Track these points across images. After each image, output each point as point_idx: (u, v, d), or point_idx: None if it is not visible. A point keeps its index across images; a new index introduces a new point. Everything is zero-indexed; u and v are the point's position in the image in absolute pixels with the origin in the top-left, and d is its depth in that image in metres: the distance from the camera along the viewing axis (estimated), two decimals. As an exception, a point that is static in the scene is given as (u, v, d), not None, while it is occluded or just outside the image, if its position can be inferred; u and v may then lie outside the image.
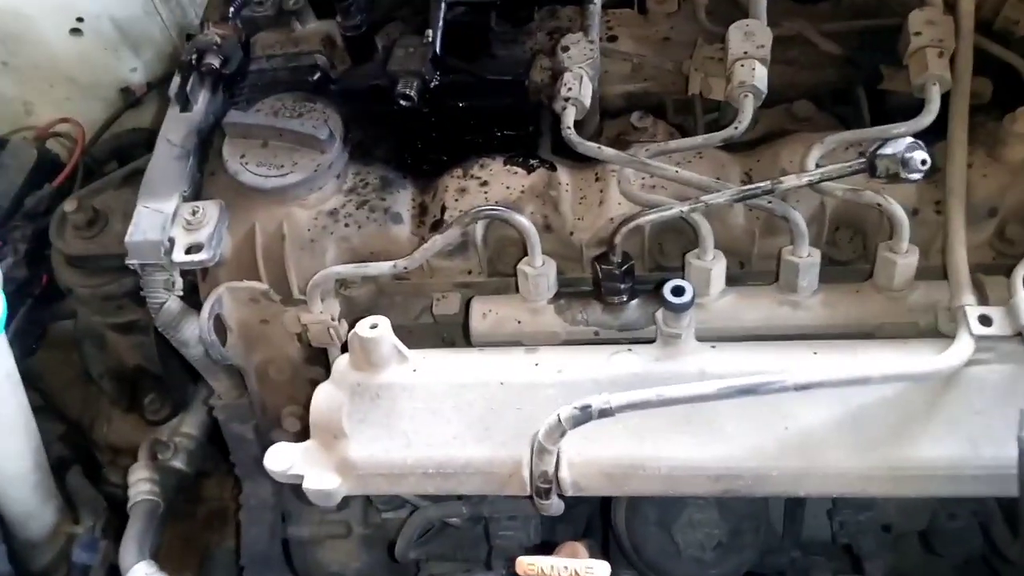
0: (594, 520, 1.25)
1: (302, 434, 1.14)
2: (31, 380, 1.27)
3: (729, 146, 1.06)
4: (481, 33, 1.20)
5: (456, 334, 1.14)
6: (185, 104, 1.15)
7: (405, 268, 1.04)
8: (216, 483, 1.48)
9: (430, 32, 1.12)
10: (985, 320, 0.90)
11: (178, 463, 1.35)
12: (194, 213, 1.07)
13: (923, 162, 0.86)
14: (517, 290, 1.07)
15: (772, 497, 1.11)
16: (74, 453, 1.43)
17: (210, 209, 1.07)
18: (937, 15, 1.03)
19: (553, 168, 1.11)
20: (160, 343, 1.33)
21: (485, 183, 1.11)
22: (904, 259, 0.96)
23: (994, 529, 1.10)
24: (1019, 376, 0.89)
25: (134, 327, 1.37)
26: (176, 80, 1.17)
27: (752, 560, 1.13)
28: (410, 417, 0.96)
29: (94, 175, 1.50)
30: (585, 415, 0.87)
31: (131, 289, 1.29)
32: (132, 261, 1.07)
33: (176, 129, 1.14)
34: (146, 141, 1.54)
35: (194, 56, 1.14)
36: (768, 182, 0.94)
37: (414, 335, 1.11)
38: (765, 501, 1.15)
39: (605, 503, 1.20)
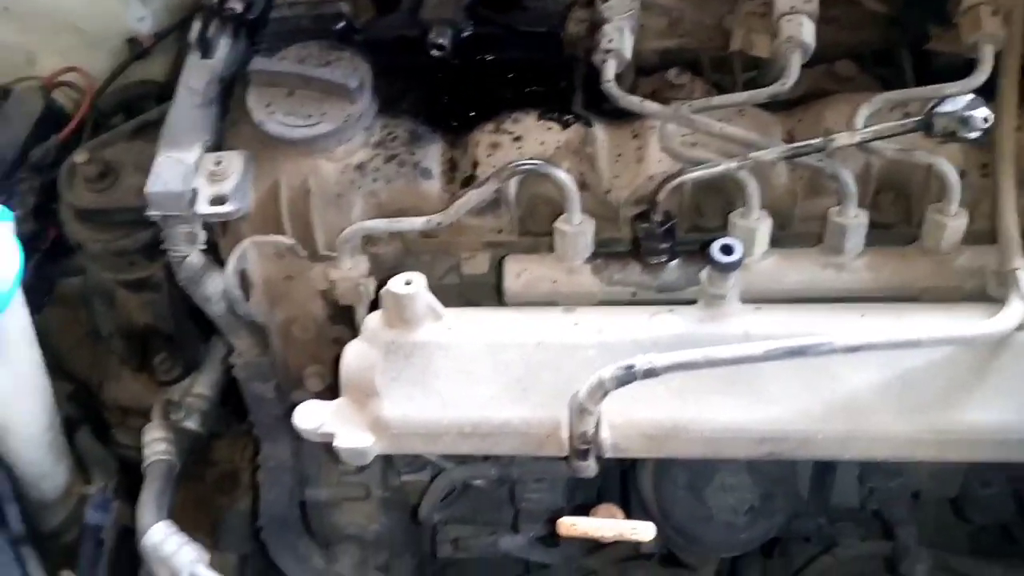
0: (608, 483, 1.23)
1: (325, 394, 1.12)
2: (39, 338, 1.23)
3: (769, 106, 1.03)
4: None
5: (482, 296, 1.11)
6: (206, 50, 1.11)
7: (439, 224, 1.01)
8: (227, 445, 1.45)
9: (463, -21, 1.08)
10: (1037, 284, 0.88)
11: (191, 424, 1.32)
12: (218, 163, 1.03)
13: (985, 119, 0.83)
14: (549, 250, 1.05)
15: (805, 461, 1.10)
16: (83, 413, 1.39)
17: (235, 160, 1.03)
18: (991, -28, 1.00)
19: (589, 124, 1.08)
20: (173, 301, 1.29)
21: (519, 138, 1.08)
22: (954, 221, 0.94)
23: (1028, 497, 1.10)
24: (1071, 341, 0.88)
25: (145, 284, 1.33)
26: (196, 25, 1.12)
27: (781, 525, 1.12)
28: (445, 376, 0.94)
29: (100, 128, 1.45)
30: (629, 375, 0.84)
31: (144, 244, 1.25)
32: (153, 213, 1.03)
33: (197, 76, 1.10)
34: (155, 93, 1.49)
35: (216, 0, 1.10)
36: (820, 139, 0.92)
37: (438, 295, 1.09)
38: (794, 465, 1.14)
39: (623, 467, 1.19)
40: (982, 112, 0.83)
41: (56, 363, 1.44)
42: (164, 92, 1.39)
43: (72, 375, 1.44)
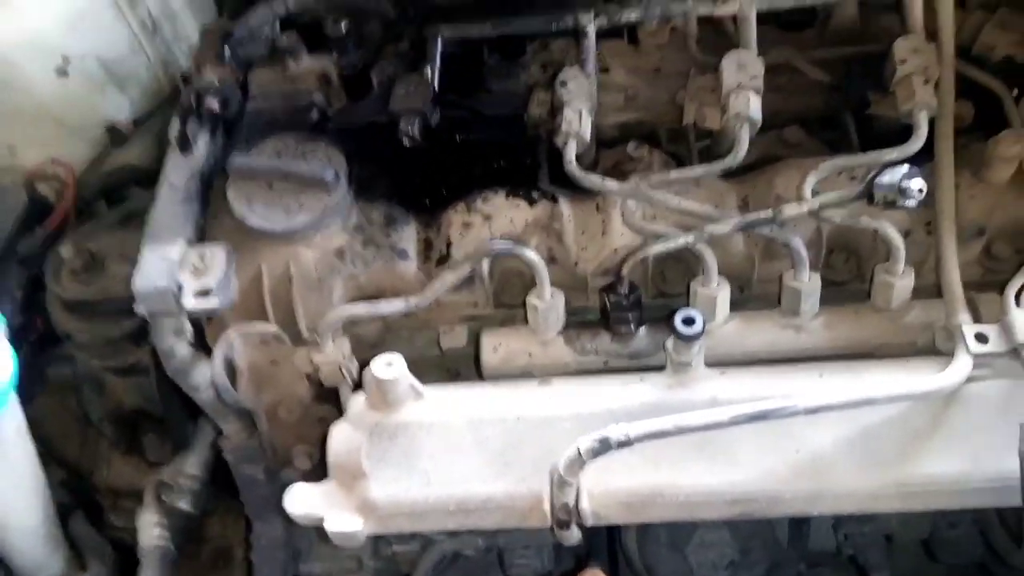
0: (595, 541, 1.27)
1: (313, 471, 1.15)
2: (30, 427, 1.26)
3: (724, 173, 1.09)
4: (476, 67, 1.22)
5: (462, 365, 1.16)
6: (186, 147, 1.15)
7: (417, 305, 1.05)
8: (219, 521, 1.47)
9: (428, 70, 1.13)
10: (981, 338, 0.94)
11: (184, 505, 1.34)
12: (202, 258, 1.07)
13: (920, 190, 0.89)
14: (524, 321, 1.09)
15: (780, 514, 1.14)
16: (75, 498, 1.41)
17: (217, 253, 1.07)
18: (920, 43, 1.07)
19: (555, 200, 1.13)
20: (160, 384, 1.32)
21: (489, 217, 1.13)
22: (902, 280, 1.00)
23: (993, 536, 1.14)
24: (1016, 391, 0.93)
25: (133, 369, 1.36)
26: (175, 123, 1.17)
27: (762, 575, 1.16)
28: (429, 455, 0.98)
29: (83, 214, 1.49)
30: (604, 446, 0.89)
31: (130, 332, 1.28)
32: (140, 308, 1.06)
33: (178, 173, 1.14)
34: (135, 178, 1.53)
35: (193, 99, 1.15)
36: (770, 211, 0.98)
37: (420, 367, 1.12)
38: (770, 519, 1.18)
39: (609, 526, 1.22)
40: (917, 183, 0.89)
41: (47, 450, 1.46)
42: (144, 177, 1.43)
43: (63, 461, 1.46)
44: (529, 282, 1.08)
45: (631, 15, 1.13)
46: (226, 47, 1.19)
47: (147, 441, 1.42)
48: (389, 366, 0.99)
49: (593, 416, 0.97)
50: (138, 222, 1.16)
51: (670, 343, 0.98)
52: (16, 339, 1.34)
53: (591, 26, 1.12)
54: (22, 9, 1.37)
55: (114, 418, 1.42)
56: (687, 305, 1.05)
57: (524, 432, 0.98)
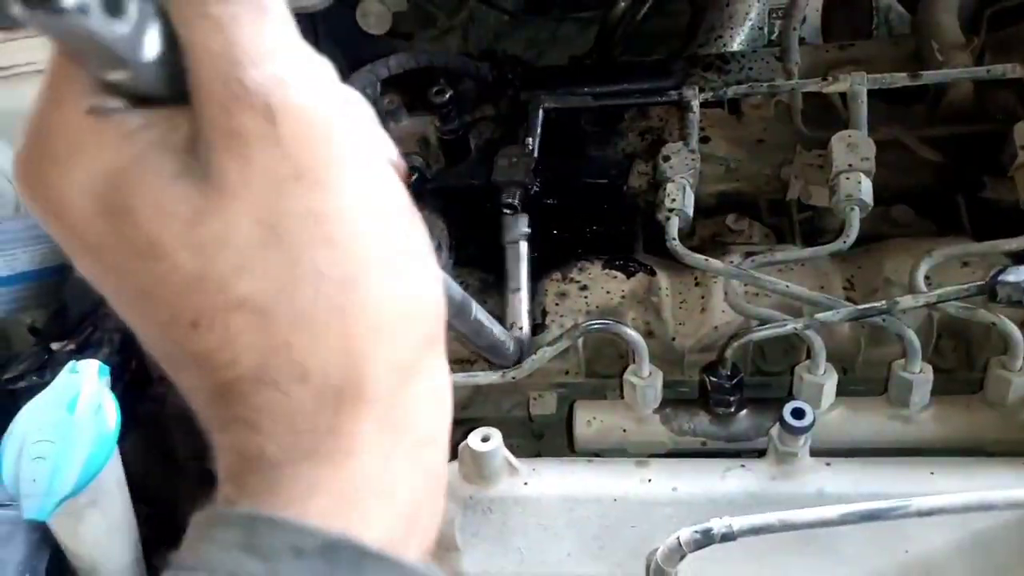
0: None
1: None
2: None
3: (830, 253, 1.07)
4: (575, 134, 1.22)
5: (551, 432, 1.15)
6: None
7: (513, 378, 1.05)
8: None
9: (530, 140, 1.14)
10: (1105, 444, 0.90)
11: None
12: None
13: (1048, 293, 0.86)
14: (615, 390, 1.08)
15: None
16: (160, 535, 1.44)
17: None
18: (1042, 127, 1.04)
19: (652, 272, 1.12)
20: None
21: (585, 287, 1.12)
22: (1019, 377, 0.96)
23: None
24: None
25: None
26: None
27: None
28: (523, 532, 0.97)
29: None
30: (707, 539, 0.87)
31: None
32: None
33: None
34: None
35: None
36: (884, 302, 0.95)
37: (506, 428, 1.12)
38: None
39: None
40: (1045, 285, 0.86)
41: (134, 487, 1.50)
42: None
43: (150, 498, 1.49)
44: (622, 352, 1.07)
45: (737, 90, 1.12)
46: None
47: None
48: (485, 440, 0.99)
49: (693, 502, 0.95)
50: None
51: (775, 432, 0.95)
52: (113, 382, 1.39)
53: (695, 100, 1.11)
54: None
55: (201, 456, 1.44)
56: (788, 384, 1.04)
57: (621, 515, 0.96)
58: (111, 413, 1.08)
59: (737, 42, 1.38)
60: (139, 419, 1.54)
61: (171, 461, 1.51)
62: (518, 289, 1.09)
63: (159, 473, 1.52)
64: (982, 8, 1.22)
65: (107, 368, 1.11)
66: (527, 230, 1.10)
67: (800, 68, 1.19)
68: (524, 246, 1.11)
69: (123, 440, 1.49)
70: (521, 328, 1.07)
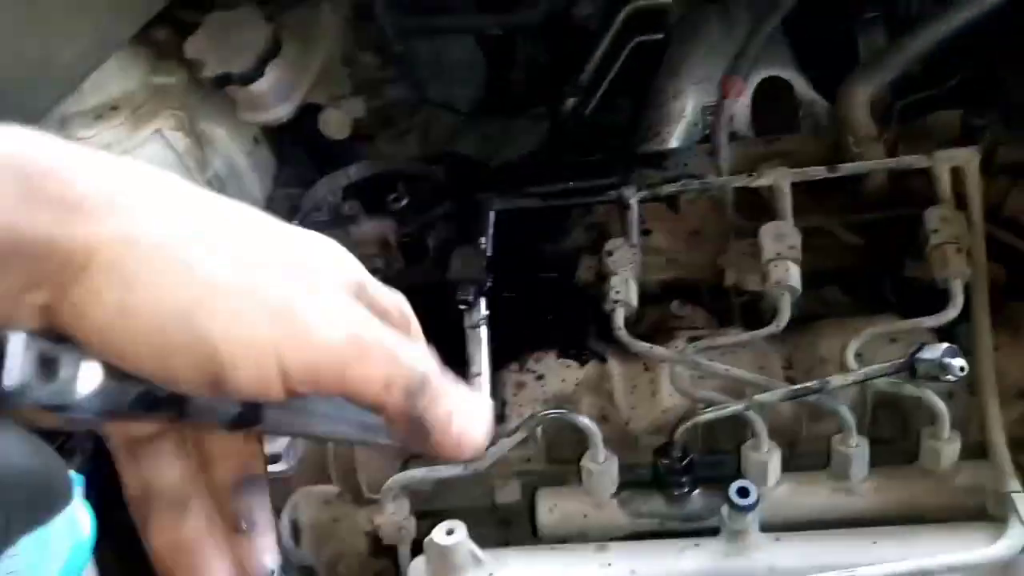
0: None
1: (372, 628, 1.17)
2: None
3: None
4: (526, 230, 1.30)
5: (514, 516, 1.19)
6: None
7: (475, 470, 1.09)
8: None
9: (483, 240, 1.21)
10: (1032, 506, 0.96)
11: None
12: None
13: (961, 368, 0.93)
14: (577, 475, 1.13)
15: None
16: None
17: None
18: (950, 212, 1.13)
19: (604, 359, 1.18)
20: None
21: (541, 376, 1.18)
22: (948, 445, 1.03)
23: None
24: (1072, 561, 0.94)
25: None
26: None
27: None
28: (490, 623, 1.00)
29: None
30: (664, 619, 0.91)
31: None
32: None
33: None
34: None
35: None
36: (817, 382, 1.02)
37: (473, 517, 1.16)
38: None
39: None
40: (958, 362, 0.93)
41: None
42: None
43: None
44: (580, 439, 1.12)
45: (671, 188, 1.21)
46: (295, 218, 1.28)
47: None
48: (450, 533, 1.02)
49: (651, 584, 0.99)
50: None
51: (725, 511, 1.00)
52: (86, 491, 1.40)
53: (634, 200, 1.20)
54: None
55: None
56: (738, 461, 1.09)
57: (583, 600, 1.00)
58: (85, 523, 1.10)
59: (675, 136, 1.47)
60: (114, 528, 1.55)
61: (147, 570, 1.51)
62: (479, 373, 1.14)
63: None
64: (893, 101, 1.33)
65: (81, 477, 1.13)
66: (486, 312, 1.16)
67: (730, 162, 1.28)
68: (484, 331, 1.17)
69: (98, 550, 1.50)
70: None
